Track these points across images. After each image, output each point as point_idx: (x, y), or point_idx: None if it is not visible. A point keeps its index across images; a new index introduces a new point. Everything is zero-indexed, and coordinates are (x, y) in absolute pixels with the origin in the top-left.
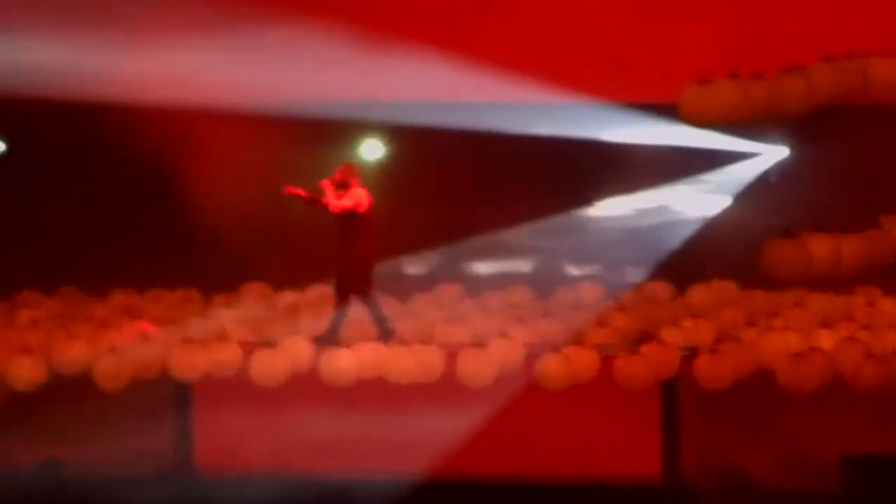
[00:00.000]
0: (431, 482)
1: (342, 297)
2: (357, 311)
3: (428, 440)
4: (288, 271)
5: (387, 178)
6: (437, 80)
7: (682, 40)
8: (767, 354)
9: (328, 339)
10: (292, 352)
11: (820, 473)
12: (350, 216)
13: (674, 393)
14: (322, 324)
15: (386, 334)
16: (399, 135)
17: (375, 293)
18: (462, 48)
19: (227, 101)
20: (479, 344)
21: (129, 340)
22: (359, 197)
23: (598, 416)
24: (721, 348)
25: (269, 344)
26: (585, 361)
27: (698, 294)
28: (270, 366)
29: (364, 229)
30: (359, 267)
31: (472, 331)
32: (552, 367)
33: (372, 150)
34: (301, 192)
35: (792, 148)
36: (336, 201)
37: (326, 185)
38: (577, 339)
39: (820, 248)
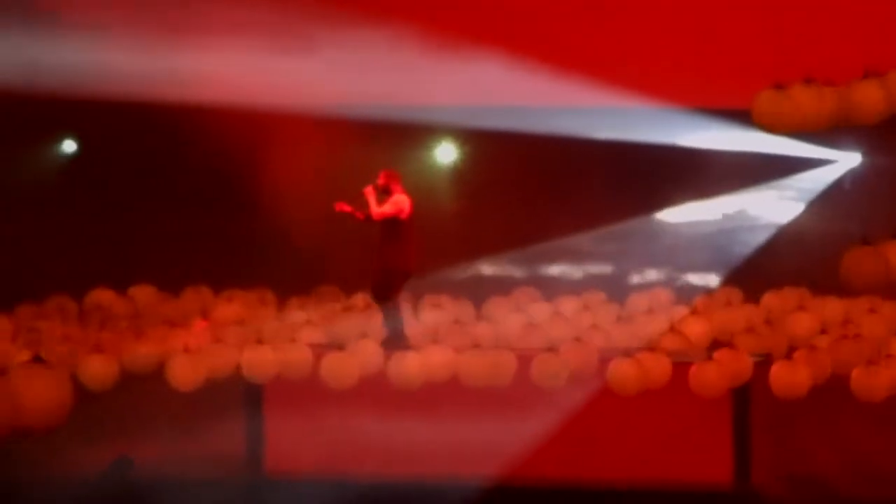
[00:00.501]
0: (501, 487)
1: (380, 301)
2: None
3: (497, 444)
4: (362, 274)
5: (460, 181)
6: (512, 84)
7: (756, 46)
8: (841, 362)
9: (394, 343)
10: (362, 354)
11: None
12: (392, 222)
13: (746, 399)
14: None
15: (397, 341)
16: (473, 139)
17: (400, 300)
18: (537, 53)
19: (302, 104)
20: (552, 348)
21: (188, 340)
22: (400, 203)
23: (669, 423)
24: (796, 356)
25: (339, 346)
26: (658, 367)
27: (771, 300)
28: (340, 368)
29: (405, 235)
30: (397, 273)
31: (545, 335)
32: (625, 371)
33: (446, 153)
34: (349, 208)
35: (866, 155)
36: (378, 208)
37: (369, 192)
38: (650, 345)
39: None
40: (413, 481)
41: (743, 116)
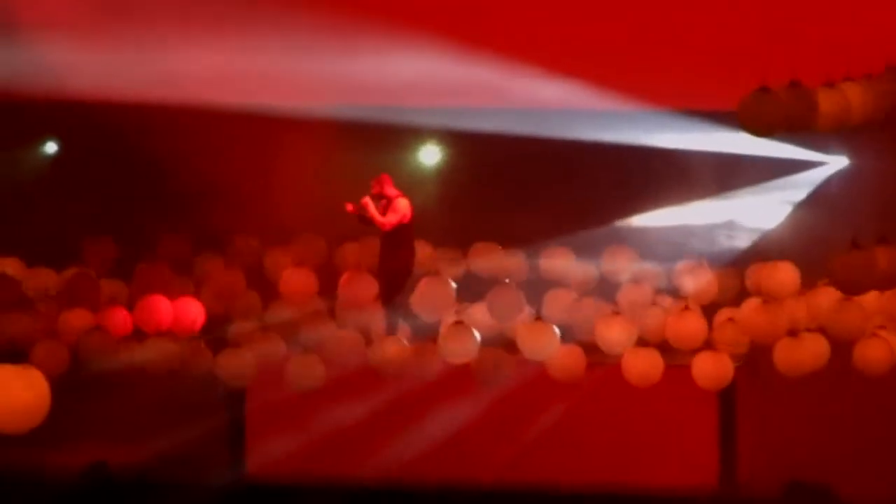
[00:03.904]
0: (485, 491)
1: (388, 303)
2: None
3: (484, 447)
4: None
5: (444, 182)
6: (496, 86)
7: (743, 47)
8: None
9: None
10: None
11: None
12: (395, 228)
13: (732, 399)
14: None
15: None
16: (456, 140)
17: (404, 301)
18: (519, 54)
19: (285, 104)
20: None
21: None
22: (403, 208)
23: (655, 427)
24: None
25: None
26: (648, 364)
27: (754, 302)
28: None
29: (408, 237)
30: (403, 274)
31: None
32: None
33: (430, 155)
34: (354, 209)
35: (853, 157)
36: (382, 218)
37: (368, 204)
38: (641, 342)
39: (886, 259)
40: (395, 485)
41: (729, 118)
